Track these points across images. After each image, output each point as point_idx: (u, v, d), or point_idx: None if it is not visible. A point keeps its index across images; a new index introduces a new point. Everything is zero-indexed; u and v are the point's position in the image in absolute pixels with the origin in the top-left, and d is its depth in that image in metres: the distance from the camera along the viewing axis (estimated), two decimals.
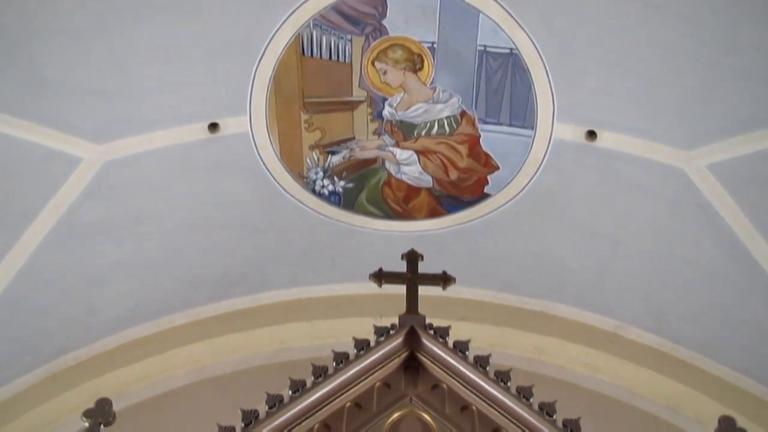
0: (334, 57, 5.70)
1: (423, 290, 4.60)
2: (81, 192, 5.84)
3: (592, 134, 5.79)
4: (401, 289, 4.60)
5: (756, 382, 6.38)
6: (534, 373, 6.00)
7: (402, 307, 4.44)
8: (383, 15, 5.51)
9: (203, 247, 6.48)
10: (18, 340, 6.23)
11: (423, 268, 4.78)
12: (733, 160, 5.55)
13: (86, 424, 3.81)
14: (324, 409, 3.97)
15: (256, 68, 5.63)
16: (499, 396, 3.97)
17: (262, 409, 3.94)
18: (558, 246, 6.45)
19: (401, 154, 6.21)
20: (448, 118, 5.99)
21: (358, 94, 5.91)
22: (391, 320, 4.39)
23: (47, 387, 6.42)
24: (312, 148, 6.16)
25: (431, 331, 4.24)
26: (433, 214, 6.48)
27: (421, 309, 4.44)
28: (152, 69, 5.48)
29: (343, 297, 6.86)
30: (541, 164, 6.02)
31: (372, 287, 5.00)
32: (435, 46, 5.63)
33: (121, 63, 5.39)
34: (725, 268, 6.01)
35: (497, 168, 6.17)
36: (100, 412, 3.86)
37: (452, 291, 5.40)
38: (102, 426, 3.81)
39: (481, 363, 4.10)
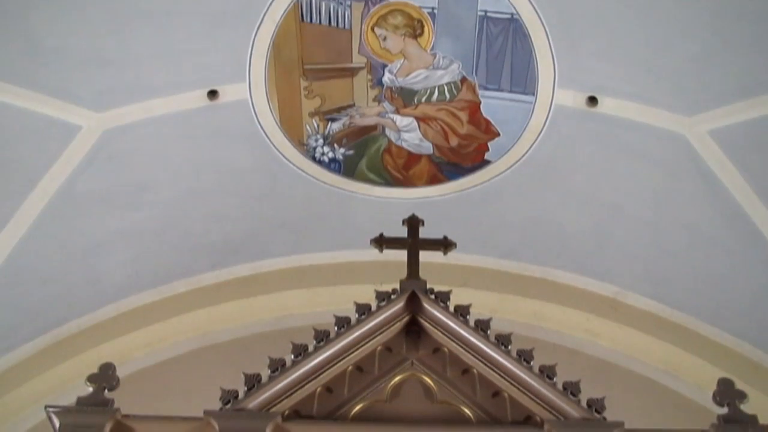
0: (333, 23, 5.66)
1: (423, 257, 4.59)
2: (81, 160, 5.84)
3: (593, 100, 5.77)
4: (402, 257, 4.59)
5: (754, 347, 6.43)
6: (534, 338, 5.99)
7: (402, 275, 4.43)
8: None
9: (203, 215, 6.49)
10: (21, 309, 6.27)
11: (423, 235, 4.77)
12: (734, 126, 5.54)
13: (90, 389, 3.83)
14: (326, 373, 3.97)
15: (255, 35, 5.59)
16: (500, 359, 3.97)
17: (265, 374, 3.95)
18: (558, 212, 6.46)
19: (401, 121, 6.19)
20: (448, 84, 5.96)
21: (357, 60, 5.87)
22: (392, 287, 4.39)
23: (51, 355, 6.46)
24: (312, 115, 6.14)
25: (432, 296, 4.24)
26: (433, 181, 6.48)
27: (421, 275, 4.43)
28: (151, 36, 5.45)
29: (343, 264, 6.88)
30: (541, 131, 6.00)
31: (373, 254, 5.00)
32: (435, 11, 5.58)
33: (120, 30, 5.36)
34: (725, 234, 6.03)
35: (498, 134, 6.16)
36: (104, 377, 3.86)
37: (453, 257, 5.42)
38: (106, 390, 3.82)
39: (481, 327, 4.12)
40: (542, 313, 6.85)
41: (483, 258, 6.89)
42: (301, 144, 6.26)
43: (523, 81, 5.81)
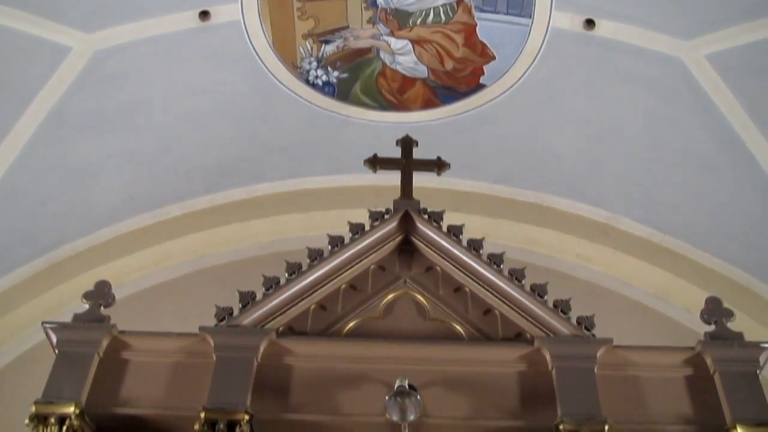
0: None
1: (417, 181, 4.59)
2: (72, 82, 5.77)
3: (590, 23, 5.70)
4: (395, 181, 4.58)
5: (744, 272, 6.48)
6: (527, 262, 5.93)
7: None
8: None
9: (197, 138, 6.44)
10: (15, 232, 6.28)
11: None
12: (732, 50, 5.50)
13: (87, 306, 3.86)
14: (320, 291, 4.03)
15: None
16: (492, 278, 4.02)
17: (260, 293, 3.98)
18: (553, 137, 6.44)
19: (396, 43, 6.11)
20: (444, 5, 5.86)
21: None
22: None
23: (46, 278, 6.50)
24: (305, 37, 6.05)
25: (425, 216, 4.26)
26: (428, 105, 6.43)
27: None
28: None
29: (338, 188, 6.86)
30: (537, 54, 5.94)
31: (367, 178, 4.99)
32: None
33: None
34: (720, 159, 6.03)
35: (493, 58, 6.09)
36: (100, 294, 3.91)
37: (446, 182, 5.41)
38: (102, 307, 3.86)
39: (474, 246, 4.15)
40: (535, 238, 6.87)
41: (476, 183, 6.88)
42: (294, 67, 6.18)
43: (520, 3, 5.72)
